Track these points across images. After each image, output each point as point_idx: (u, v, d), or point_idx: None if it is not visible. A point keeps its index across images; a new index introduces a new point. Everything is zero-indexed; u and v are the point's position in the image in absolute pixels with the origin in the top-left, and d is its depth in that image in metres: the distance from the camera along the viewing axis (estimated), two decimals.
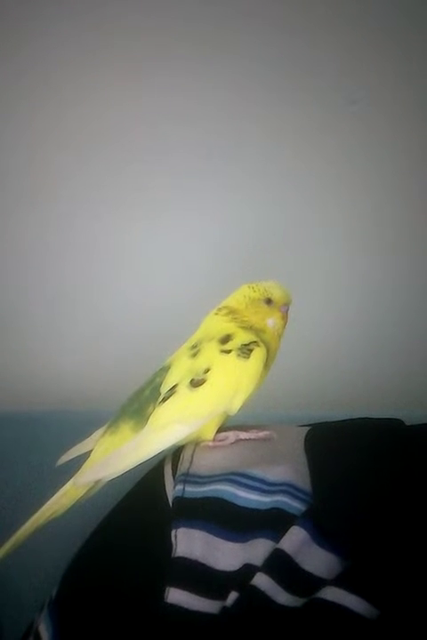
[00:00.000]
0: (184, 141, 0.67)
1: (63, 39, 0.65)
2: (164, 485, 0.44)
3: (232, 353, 0.45)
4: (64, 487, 0.45)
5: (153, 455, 0.44)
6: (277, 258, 0.67)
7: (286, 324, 0.48)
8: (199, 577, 0.39)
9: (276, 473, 0.42)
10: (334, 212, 0.68)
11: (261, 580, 0.38)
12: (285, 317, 0.48)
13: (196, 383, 0.44)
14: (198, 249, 0.69)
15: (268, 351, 0.46)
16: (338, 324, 0.69)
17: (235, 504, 0.41)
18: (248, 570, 0.38)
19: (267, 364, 0.46)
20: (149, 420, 0.44)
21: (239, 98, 0.66)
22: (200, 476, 0.43)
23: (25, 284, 0.70)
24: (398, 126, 0.66)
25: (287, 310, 0.48)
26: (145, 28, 0.65)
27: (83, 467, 0.45)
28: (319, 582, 0.37)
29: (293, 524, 0.39)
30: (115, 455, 0.44)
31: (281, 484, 0.42)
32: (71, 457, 0.47)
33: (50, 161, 0.67)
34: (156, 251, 0.69)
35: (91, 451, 0.46)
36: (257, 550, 0.39)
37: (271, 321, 0.47)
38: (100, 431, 0.47)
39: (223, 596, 0.38)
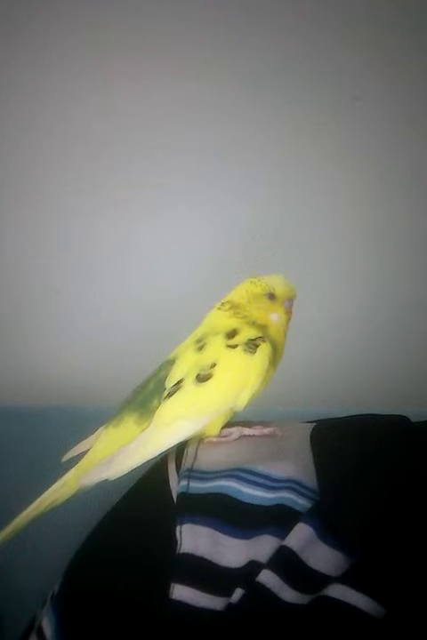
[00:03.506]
0: (186, 141, 0.67)
1: (65, 39, 0.65)
2: (167, 481, 0.44)
3: (238, 348, 0.44)
4: (64, 477, 0.45)
5: (159, 453, 0.44)
6: (278, 255, 0.67)
7: (289, 318, 0.47)
8: (204, 573, 0.39)
9: (280, 469, 0.42)
10: (334, 210, 0.69)
11: (267, 577, 0.38)
12: (289, 312, 0.47)
13: (202, 378, 0.44)
14: (200, 247, 0.69)
15: (274, 347, 0.46)
16: (340, 322, 0.69)
17: (239, 500, 0.41)
18: (253, 566, 0.38)
19: (274, 360, 0.46)
20: (155, 415, 0.44)
21: (240, 98, 0.66)
22: (204, 472, 0.43)
23: (27, 279, 0.70)
24: (398, 126, 0.66)
25: (291, 305, 0.47)
26: (147, 29, 0.65)
27: (85, 461, 0.45)
28: (325, 579, 0.37)
29: (298, 521, 0.39)
30: (120, 453, 0.43)
31: (286, 481, 0.41)
32: (76, 453, 0.47)
33: (51, 160, 0.67)
34: (158, 248, 0.69)
35: None
36: (262, 547, 0.39)
37: (275, 316, 0.47)
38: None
39: (229, 593, 0.38)
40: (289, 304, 0.47)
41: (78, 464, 0.45)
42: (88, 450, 0.46)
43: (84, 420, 0.49)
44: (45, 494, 0.44)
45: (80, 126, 0.66)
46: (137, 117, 0.66)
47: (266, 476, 0.42)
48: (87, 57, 0.65)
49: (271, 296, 0.47)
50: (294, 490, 0.41)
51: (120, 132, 0.67)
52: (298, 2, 0.65)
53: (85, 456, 0.45)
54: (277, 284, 0.47)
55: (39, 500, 0.44)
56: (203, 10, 0.65)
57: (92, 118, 0.66)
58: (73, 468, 0.45)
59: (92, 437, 0.47)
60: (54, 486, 0.45)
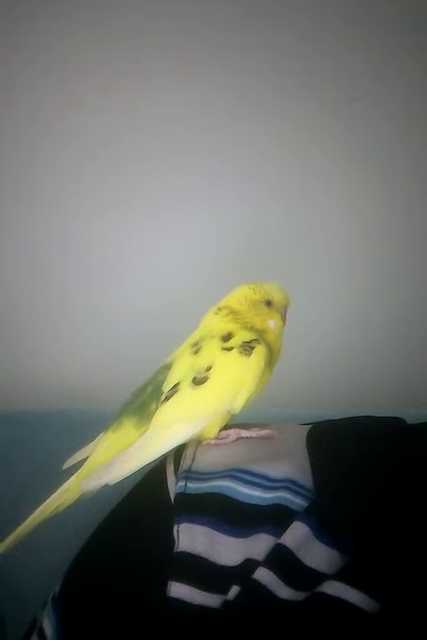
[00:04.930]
0: (185, 141, 0.67)
1: (65, 39, 0.65)
2: (166, 484, 0.44)
3: (234, 350, 0.45)
4: (66, 483, 0.45)
5: (158, 456, 0.44)
6: (278, 257, 0.67)
7: (284, 325, 0.49)
8: (201, 571, 0.39)
9: (277, 469, 0.42)
10: (334, 210, 0.68)
11: (263, 575, 0.38)
12: (284, 319, 0.48)
13: (198, 381, 0.44)
14: (200, 247, 0.68)
15: (271, 352, 0.46)
16: (338, 324, 0.69)
17: (236, 499, 0.41)
18: (250, 564, 0.39)
19: (271, 364, 0.46)
20: (153, 419, 0.44)
21: (240, 98, 0.66)
22: (202, 473, 0.43)
23: (27, 282, 0.69)
24: (399, 126, 0.66)
25: (286, 312, 0.49)
26: (146, 28, 0.65)
27: (86, 467, 0.45)
28: (321, 577, 0.38)
29: (294, 520, 0.39)
30: (119, 458, 0.44)
31: (283, 481, 0.42)
32: (78, 460, 0.47)
33: (51, 160, 0.67)
34: (157, 249, 0.69)
35: None
36: (258, 545, 0.39)
37: (272, 322, 0.48)
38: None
39: (225, 591, 0.38)
40: (284, 311, 0.48)
41: (79, 470, 0.45)
42: (89, 456, 0.46)
43: (84, 423, 0.49)
44: (48, 502, 0.45)
45: (79, 126, 0.66)
46: (137, 117, 0.66)
47: (263, 476, 0.42)
48: (87, 57, 0.65)
49: (269, 303, 0.48)
50: (290, 489, 0.41)
51: (120, 132, 0.66)
52: (298, 1, 0.64)
53: (86, 462, 0.46)
54: (275, 291, 0.48)
55: (41, 507, 0.45)
56: (202, 9, 0.64)
57: (91, 118, 0.66)
58: (74, 475, 0.45)
59: (93, 443, 0.47)
60: (56, 493, 0.45)
